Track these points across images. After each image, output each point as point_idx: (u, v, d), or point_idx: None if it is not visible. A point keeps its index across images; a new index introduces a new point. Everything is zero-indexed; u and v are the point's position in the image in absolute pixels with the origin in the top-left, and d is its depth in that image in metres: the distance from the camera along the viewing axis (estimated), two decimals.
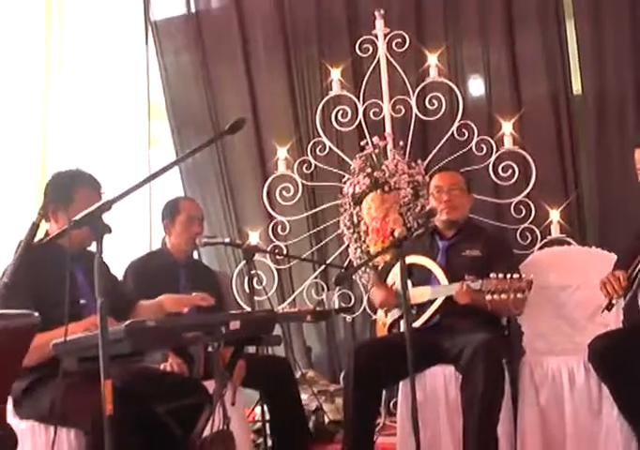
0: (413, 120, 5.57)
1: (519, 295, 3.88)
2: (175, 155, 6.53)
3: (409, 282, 4.19)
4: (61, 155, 5.81)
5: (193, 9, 6.52)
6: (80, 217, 2.39)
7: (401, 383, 4.25)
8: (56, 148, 5.78)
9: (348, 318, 5.89)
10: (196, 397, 3.33)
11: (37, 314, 2.26)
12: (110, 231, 2.39)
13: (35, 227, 2.93)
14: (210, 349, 3.75)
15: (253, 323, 3.16)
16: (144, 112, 6.52)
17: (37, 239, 3.24)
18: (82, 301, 3.34)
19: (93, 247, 3.41)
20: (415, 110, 5.57)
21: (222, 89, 6.47)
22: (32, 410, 3.25)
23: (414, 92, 5.57)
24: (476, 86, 5.86)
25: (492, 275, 3.92)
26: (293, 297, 6.05)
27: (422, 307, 4.30)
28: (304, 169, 5.88)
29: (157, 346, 2.82)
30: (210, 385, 3.41)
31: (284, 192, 5.87)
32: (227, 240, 4.86)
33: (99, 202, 2.44)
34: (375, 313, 4.89)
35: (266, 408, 4.26)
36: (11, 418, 3.17)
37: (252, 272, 4.40)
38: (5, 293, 2.56)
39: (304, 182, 5.88)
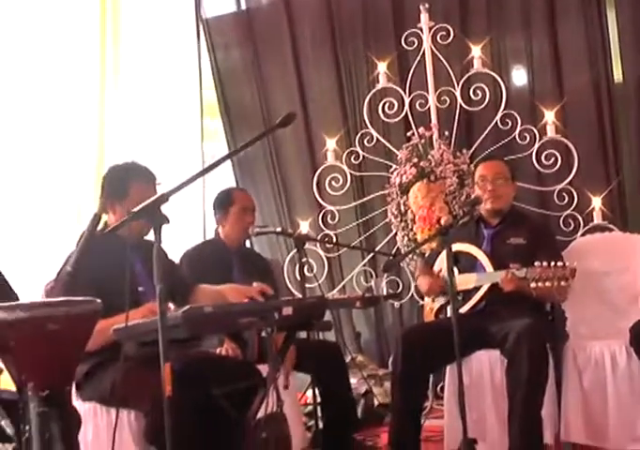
0: (458, 110, 5.60)
1: (563, 283, 3.90)
2: (227, 148, 6.60)
3: (455, 269, 4.21)
4: (118, 148, 5.88)
5: (243, 6, 6.58)
6: (139, 208, 2.45)
7: (447, 367, 4.28)
8: (113, 142, 5.85)
9: (396, 304, 5.94)
10: (250, 381, 3.39)
11: (99, 301, 2.32)
12: (168, 221, 2.43)
13: (96, 218, 3.01)
14: (264, 334, 3.83)
15: (305, 309, 3.20)
16: (197, 106, 6.58)
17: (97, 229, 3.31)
18: (140, 288, 3.43)
19: (149, 237, 3.57)
20: (459, 100, 5.60)
21: (272, 83, 6.53)
22: (94, 392, 3.34)
23: (458, 83, 5.60)
24: (519, 76, 5.85)
25: (536, 263, 3.94)
26: (342, 284, 6.10)
27: (468, 293, 4.33)
28: (352, 159, 5.93)
29: (213, 331, 2.89)
30: (264, 369, 3.47)
31: (333, 182, 5.93)
32: (279, 229, 4.90)
33: (157, 195, 2.49)
34: (422, 299, 4.92)
35: (317, 391, 4.28)
36: (74, 400, 3.25)
37: (303, 260, 4.41)
38: (68, 281, 2.65)
39: (352, 172, 5.92)
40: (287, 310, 3.12)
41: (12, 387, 2.64)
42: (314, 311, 3.27)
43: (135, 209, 2.45)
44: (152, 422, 3.03)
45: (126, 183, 3.53)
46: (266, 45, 6.51)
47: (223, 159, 2.80)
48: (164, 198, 2.46)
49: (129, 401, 3.17)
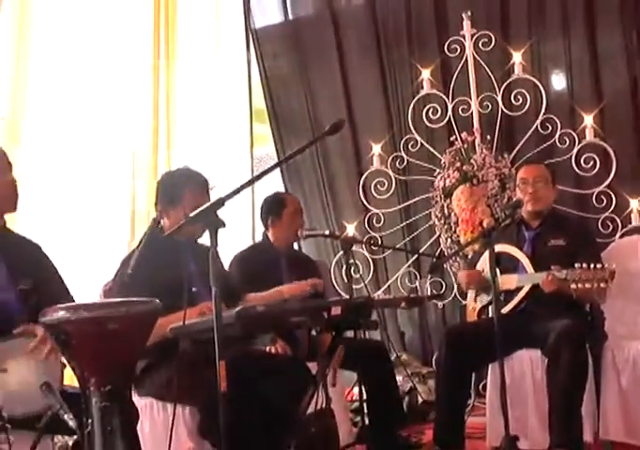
0: (499, 115, 5.61)
1: (602, 285, 3.90)
2: (275, 152, 6.68)
3: (497, 270, 4.22)
4: (171, 153, 5.95)
5: (291, 16, 6.65)
6: (196, 213, 2.49)
7: (489, 366, 4.30)
8: (166, 147, 5.91)
9: (439, 304, 5.96)
10: (300, 378, 3.44)
11: (157, 301, 2.37)
12: (224, 225, 2.47)
13: (156, 223, 3.08)
14: (313, 333, 3.88)
15: (353, 309, 3.24)
16: (247, 113, 6.65)
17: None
18: (194, 289, 3.46)
19: (202, 240, 3.63)
20: (501, 106, 5.60)
21: (319, 90, 6.58)
22: (150, 388, 3.42)
23: (500, 89, 5.61)
24: (558, 81, 5.84)
25: (576, 265, 3.95)
26: (387, 285, 6.13)
27: (510, 293, 4.33)
28: (397, 164, 5.97)
29: (265, 329, 2.92)
30: (313, 367, 3.54)
31: (379, 186, 5.97)
32: (327, 232, 4.95)
33: (214, 199, 2.53)
34: (465, 299, 4.94)
35: (363, 388, 4.32)
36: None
37: (350, 261, 4.43)
38: (128, 282, 2.71)
39: (397, 176, 5.96)
40: (336, 310, 3.17)
41: (75, 382, 2.73)
42: (362, 311, 3.30)
43: (192, 214, 2.50)
44: (206, 417, 3.10)
45: (179, 188, 3.58)
46: (312, 53, 6.57)
47: (277, 165, 2.85)
48: (221, 202, 2.49)
49: (184, 397, 3.23)
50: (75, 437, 2.54)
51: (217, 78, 6.40)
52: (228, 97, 6.57)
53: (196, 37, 6.25)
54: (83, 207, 5.23)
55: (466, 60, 5.66)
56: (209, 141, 6.36)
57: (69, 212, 5.10)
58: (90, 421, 2.22)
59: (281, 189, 6.38)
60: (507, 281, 4.35)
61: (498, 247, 4.30)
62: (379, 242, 6.05)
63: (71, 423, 2.29)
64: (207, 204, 2.51)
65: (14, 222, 4.46)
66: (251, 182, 2.70)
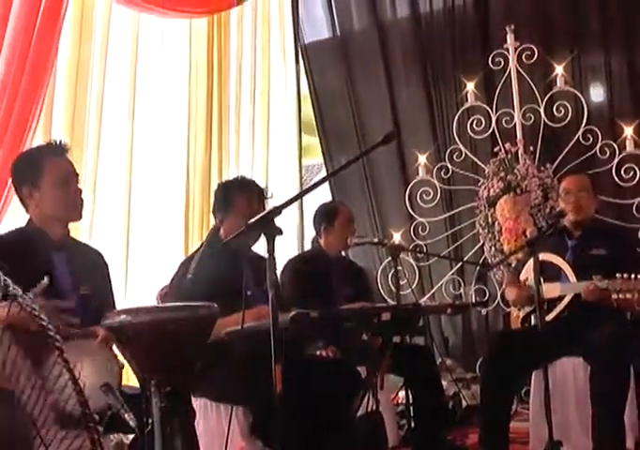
0: (541, 127, 5.60)
1: None
2: (324, 163, 6.76)
3: (541, 278, 4.20)
4: (223, 162, 5.99)
5: (338, 32, 6.71)
6: (254, 220, 2.49)
7: (533, 373, 4.26)
8: (219, 156, 5.94)
9: (483, 311, 5.94)
10: (351, 381, 3.44)
11: (216, 306, 2.38)
12: (281, 233, 2.48)
13: (216, 229, 3.11)
14: (364, 337, 3.88)
15: (402, 315, 3.25)
16: (296, 124, 6.71)
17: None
18: (248, 292, 3.49)
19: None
20: (543, 117, 5.60)
21: (366, 103, 6.63)
22: (205, 389, 3.41)
23: (542, 100, 5.60)
24: (599, 93, 5.85)
25: (617, 275, 3.91)
26: (432, 292, 6.13)
27: (553, 302, 4.30)
28: (442, 174, 5.97)
29: (318, 334, 2.93)
30: (362, 371, 3.55)
31: (424, 195, 5.97)
32: (376, 240, 4.96)
33: (271, 208, 2.55)
34: (508, 307, 4.91)
35: (409, 392, 4.31)
36: None
37: (399, 268, 4.42)
38: (189, 286, 2.75)
39: (442, 186, 5.97)
40: (386, 316, 3.18)
41: (134, 382, 2.79)
42: (410, 317, 3.31)
43: (250, 221, 2.50)
44: (260, 418, 3.12)
45: (232, 197, 3.63)
46: (359, 67, 6.63)
47: (327, 178, 2.87)
48: (278, 210, 2.51)
49: (238, 398, 3.26)
50: (133, 435, 2.57)
51: (268, 90, 6.44)
52: (278, 109, 6.61)
53: (247, 52, 6.28)
54: (138, 215, 5.26)
55: (510, 72, 5.67)
56: (260, 151, 6.38)
57: (124, 218, 5.13)
58: (150, 421, 2.26)
59: (329, 198, 6.43)
60: (550, 290, 4.30)
61: (542, 256, 4.23)
62: (424, 250, 6.05)
63: (132, 423, 2.33)
64: (265, 212, 2.53)
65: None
66: (306, 191, 2.74)
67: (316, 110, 6.78)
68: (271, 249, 2.46)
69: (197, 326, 2.32)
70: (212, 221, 5.54)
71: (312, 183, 2.79)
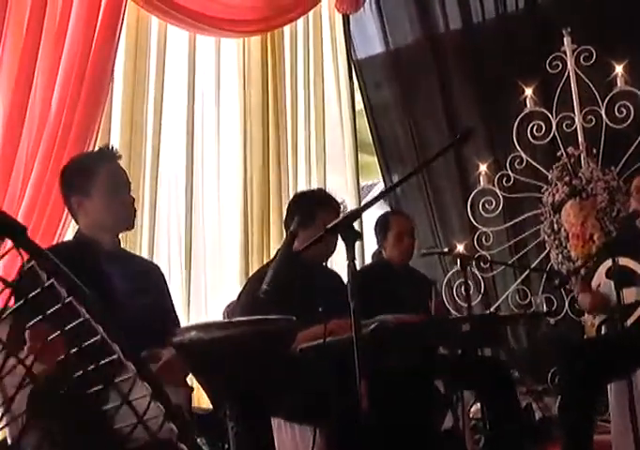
0: (603, 128, 5.33)
1: None
2: (382, 181, 6.55)
3: (612, 283, 3.91)
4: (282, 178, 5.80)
5: (391, 47, 6.51)
6: (332, 224, 2.29)
7: (612, 384, 3.92)
8: (276, 171, 5.76)
9: (552, 320, 5.62)
10: (432, 397, 3.21)
11: (294, 318, 2.15)
12: (361, 237, 2.28)
13: (292, 237, 2.84)
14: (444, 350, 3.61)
15: (480, 326, 3.01)
16: (351, 142, 6.49)
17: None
18: (320, 309, 3.26)
19: None
20: (605, 119, 5.33)
21: (422, 116, 6.38)
22: (279, 408, 3.18)
23: (603, 102, 5.33)
24: None
25: None
26: (498, 303, 5.82)
27: (629, 307, 4.00)
28: (504, 182, 5.71)
29: (399, 347, 2.71)
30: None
31: (486, 205, 5.73)
32: (446, 250, 4.74)
33: (349, 211, 2.35)
34: (578, 316, 4.62)
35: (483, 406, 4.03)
36: None
37: (463, 280, 4.21)
38: (264, 299, 2.49)
39: (504, 194, 5.71)
40: (465, 327, 2.95)
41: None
42: (488, 328, 3.06)
43: (329, 225, 2.29)
44: (340, 438, 2.87)
45: (314, 210, 3.39)
46: (414, 80, 6.39)
47: (396, 185, 2.64)
48: (357, 214, 2.32)
49: (314, 418, 3.00)
50: None
51: (322, 108, 6.23)
52: (333, 126, 6.40)
53: (300, 70, 6.10)
54: (197, 233, 5.08)
55: (568, 75, 5.42)
56: (317, 170, 6.17)
57: (183, 236, 4.95)
58: (227, 446, 2.01)
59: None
60: (627, 295, 3.98)
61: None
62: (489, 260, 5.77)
63: (205, 448, 2.08)
64: (344, 216, 2.35)
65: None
66: (378, 198, 2.53)
67: (372, 125, 6.53)
68: (352, 256, 2.24)
69: (274, 341, 2.07)
70: (272, 238, 5.47)
71: (379, 192, 2.56)
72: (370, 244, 4.68)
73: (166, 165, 4.86)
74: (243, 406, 1.99)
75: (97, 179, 2.62)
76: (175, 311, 2.90)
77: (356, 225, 5.79)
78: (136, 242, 4.42)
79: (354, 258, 2.22)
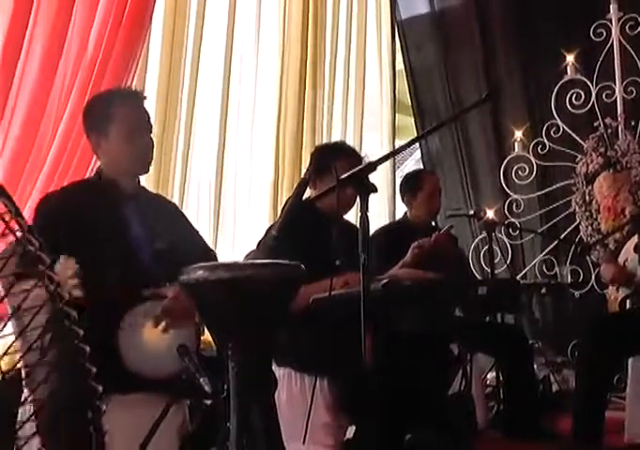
0: None
1: None
2: (418, 144, 6.42)
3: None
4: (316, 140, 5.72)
5: (436, 7, 6.35)
6: (346, 175, 2.23)
7: (630, 359, 3.87)
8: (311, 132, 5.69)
9: (577, 293, 5.52)
10: (444, 358, 3.17)
11: (303, 266, 2.08)
12: (375, 190, 2.20)
13: (304, 184, 2.77)
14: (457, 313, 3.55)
15: (498, 290, 2.94)
16: (390, 102, 6.37)
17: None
18: (337, 262, 3.16)
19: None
20: None
21: (462, 80, 6.23)
22: (289, 358, 3.13)
23: None
24: None
25: None
26: (524, 271, 5.73)
27: None
28: (538, 150, 5.57)
29: (411, 304, 2.66)
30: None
31: (520, 172, 5.62)
32: (471, 212, 4.65)
33: (365, 163, 2.27)
34: (603, 290, 4.53)
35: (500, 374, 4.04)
36: None
37: (492, 246, 4.14)
38: (274, 245, 2.44)
39: (538, 162, 5.58)
40: (482, 290, 2.90)
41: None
42: (507, 293, 2.99)
43: (342, 176, 2.23)
44: (347, 389, 2.84)
45: (330, 161, 3.28)
46: (456, 43, 6.25)
47: (425, 135, 2.56)
48: (372, 167, 2.23)
49: (324, 368, 2.97)
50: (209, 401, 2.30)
51: (363, 67, 6.12)
52: (373, 85, 6.29)
53: (342, 28, 5.97)
54: (228, 183, 5.05)
55: (612, 44, 5.25)
56: (353, 128, 6.08)
57: (214, 185, 4.91)
58: (226, 387, 1.98)
59: None
60: None
61: None
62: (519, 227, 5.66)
63: (207, 387, 2.05)
64: (358, 168, 2.24)
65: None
66: (399, 150, 2.47)
67: (411, 86, 6.40)
68: (365, 208, 2.17)
69: (280, 287, 2.02)
70: None
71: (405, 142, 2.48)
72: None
73: (201, 111, 4.80)
74: (244, 347, 1.95)
75: (115, 119, 2.56)
76: (204, 242, 2.86)
77: (387, 184, 5.74)
78: (168, 184, 4.41)
79: (367, 210, 2.15)
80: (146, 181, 3.67)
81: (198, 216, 4.73)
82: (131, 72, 3.87)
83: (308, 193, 3.22)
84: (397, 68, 6.49)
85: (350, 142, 5.77)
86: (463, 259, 4.58)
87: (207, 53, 4.82)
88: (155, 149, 2.69)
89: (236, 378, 1.96)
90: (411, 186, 4.32)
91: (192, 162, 4.72)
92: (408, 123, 6.81)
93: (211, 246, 4.46)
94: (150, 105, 3.39)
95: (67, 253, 2.18)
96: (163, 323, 2.32)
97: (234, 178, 5.11)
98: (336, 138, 5.82)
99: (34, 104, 3.50)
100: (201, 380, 2.07)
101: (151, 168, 2.73)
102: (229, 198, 5.06)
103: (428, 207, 4.25)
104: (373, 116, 6.38)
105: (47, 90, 3.55)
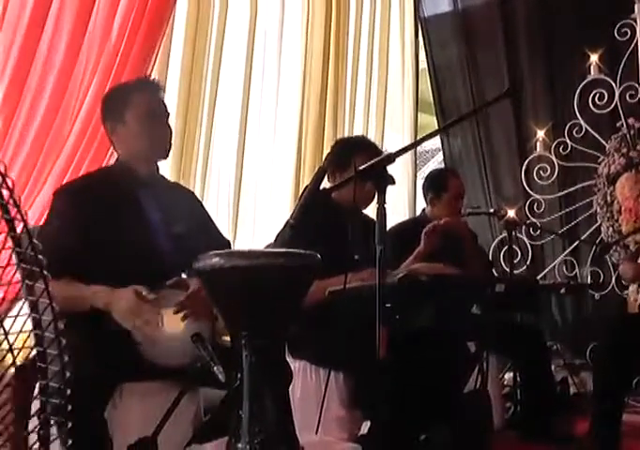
0: None
1: None
2: (440, 142, 6.38)
3: None
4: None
5: (460, 6, 6.31)
6: (364, 167, 2.21)
7: None
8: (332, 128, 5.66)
9: (596, 295, 5.46)
10: (461, 356, 3.12)
11: (319, 256, 2.04)
12: (393, 181, 2.18)
13: (321, 173, 2.73)
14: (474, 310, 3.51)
15: (516, 289, 2.90)
16: (412, 101, 6.35)
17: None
18: (356, 257, 3.11)
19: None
20: None
21: (485, 78, 6.17)
22: (305, 351, 3.14)
23: None
24: None
25: None
26: (544, 272, 5.68)
27: None
28: (560, 150, 5.53)
29: (427, 299, 2.62)
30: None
31: (541, 172, 5.59)
32: (492, 210, 4.60)
33: (384, 155, 2.25)
34: (623, 291, 4.48)
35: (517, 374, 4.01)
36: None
37: (512, 245, 4.09)
38: (290, 234, 2.41)
39: (560, 162, 5.53)
40: (500, 287, 2.86)
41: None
42: (524, 292, 2.95)
43: (360, 167, 2.21)
44: (361, 386, 2.81)
45: (350, 154, 3.29)
46: (480, 41, 6.20)
47: (445, 127, 2.53)
48: (390, 159, 2.21)
49: (339, 363, 2.95)
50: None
51: (386, 65, 6.10)
52: (395, 84, 6.26)
53: (365, 26, 5.94)
54: (249, 179, 5.03)
55: (636, 44, 5.19)
56: (374, 127, 6.05)
57: (235, 179, 4.90)
58: (240, 376, 1.96)
59: None
60: None
61: None
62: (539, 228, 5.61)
63: (220, 376, 2.03)
64: (376, 159, 2.22)
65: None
66: (420, 142, 2.43)
67: (434, 85, 6.36)
68: (382, 200, 2.14)
69: (295, 276, 1.99)
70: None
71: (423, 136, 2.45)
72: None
73: (222, 107, 4.78)
74: (257, 335, 1.93)
75: (132, 107, 2.59)
76: (219, 232, 2.85)
77: (409, 182, 5.67)
78: (190, 177, 4.39)
79: (384, 202, 2.13)
80: (168, 174, 3.67)
81: (218, 208, 4.71)
82: (151, 63, 3.88)
83: (327, 186, 3.20)
84: (420, 67, 6.45)
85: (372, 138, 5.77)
86: (478, 243, 4.52)
87: (230, 45, 4.81)
88: (176, 141, 2.69)
89: (250, 366, 1.94)
90: (437, 185, 4.28)
91: (214, 156, 4.71)
92: (430, 122, 6.78)
93: (231, 238, 4.50)
94: (172, 98, 3.40)
95: (87, 238, 2.22)
96: (184, 312, 2.31)
97: (255, 172, 5.09)
98: (358, 132, 5.81)
99: (55, 92, 3.51)
100: (215, 368, 2.05)
101: (172, 160, 2.74)
102: (250, 192, 5.03)
103: (450, 209, 4.20)
104: (395, 115, 6.32)
105: (68, 76, 3.57)
